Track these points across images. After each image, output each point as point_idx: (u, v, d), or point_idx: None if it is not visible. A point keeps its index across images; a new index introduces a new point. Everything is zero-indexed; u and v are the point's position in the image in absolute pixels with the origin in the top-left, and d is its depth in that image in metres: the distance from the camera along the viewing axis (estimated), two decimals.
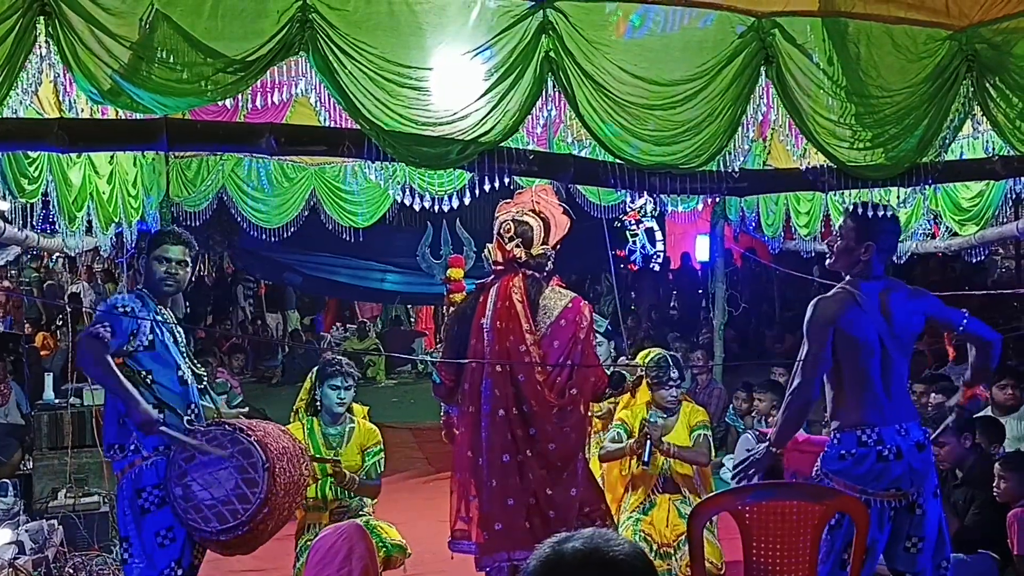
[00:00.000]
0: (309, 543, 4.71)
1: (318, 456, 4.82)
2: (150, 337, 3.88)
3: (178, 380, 3.96)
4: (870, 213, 3.71)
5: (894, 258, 7.13)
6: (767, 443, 3.86)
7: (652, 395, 5.40)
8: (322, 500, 4.95)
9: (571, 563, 1.52)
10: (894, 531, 3.72)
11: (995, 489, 4.81)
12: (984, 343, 3.90)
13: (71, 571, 5.16)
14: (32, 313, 12.11)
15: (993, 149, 4.13)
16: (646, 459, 5.13)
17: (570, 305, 4.13)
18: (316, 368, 5.20)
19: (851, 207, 3.81)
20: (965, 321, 3.88)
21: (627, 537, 5.03)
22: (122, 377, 3.70)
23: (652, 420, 5.22)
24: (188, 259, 4.06)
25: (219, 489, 3.78)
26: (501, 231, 4.24)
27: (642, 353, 5.52)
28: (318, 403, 4.99)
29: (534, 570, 1.54)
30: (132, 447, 3.84)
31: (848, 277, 3.86)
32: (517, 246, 4.19)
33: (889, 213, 3.79)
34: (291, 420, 5.15)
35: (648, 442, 5.12)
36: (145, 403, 3.72)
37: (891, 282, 3.87)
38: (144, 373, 3.87)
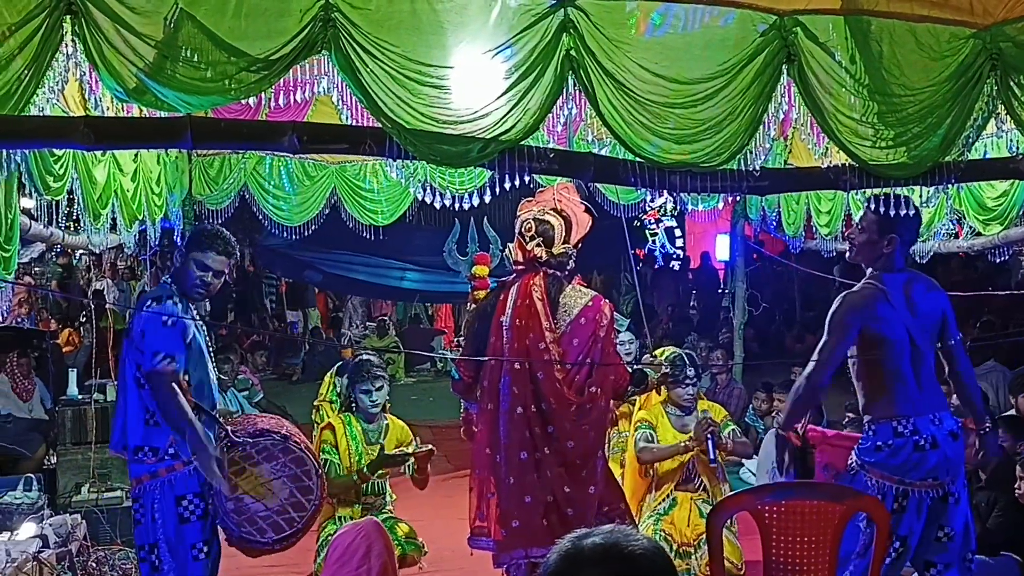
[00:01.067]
0: (331, 537, 4.75)
1: (384, 456, 4.88)
2: (190, 337, 3.81)
3: (208, 378, 3.93)
4: (891, 206, 3.70)
5: (917, 259, 7.10)
6: (774, 428, 3.91)
7: (668, 393, 5.39)
8: (353, 495, 5.01)
9: (590, 558, 1.52)
10: (928, 520, 3.72)
11: (1017, 490, 4.78)
12: (956, 372, 3.95)
13: (94, 565, 5.21)
14: (56, 311, 12.23)
15: (1017, 148, 4.10)
16: (713, 456, 5.13)
17: (590, 303, 4.13)
18: (338, 366, 5.26)
19: (872, 200, 3.80)
20: (959, 337, 3.92)
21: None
22: (196, 422, 3.63)
23: (706, 415, 5.22)
24: (226, 270, 3.98)
25: (273, 500, 3.77)
26: (522, 230, 4.24)
27: (658, 352, 5.51)
28: (353, 404, 5.08)
29: (553, 564, 1.55)
30: (170, 451, 3.74)
31: (870, 271, 3.86)
32: (538, 245, 4.19)
33: (911, 207, 3.78)
34: (312, 415, 5.21)
35: (711, 439, 5.12)
36: (212, 447, 3.64)
37: (912, 273, 3.89)
38: (184, 373, 3.78)
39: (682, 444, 5.21)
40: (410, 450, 4.99)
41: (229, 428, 3.87)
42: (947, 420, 3.76)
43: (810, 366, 3.80)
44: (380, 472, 5.01)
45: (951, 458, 3.72)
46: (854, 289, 3.86)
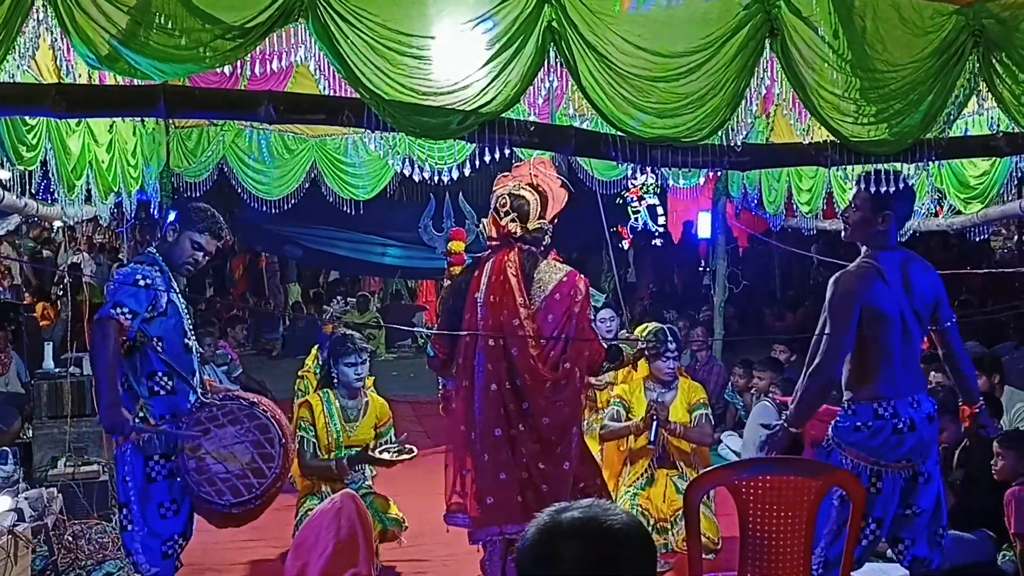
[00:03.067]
0: (310, 511, 4.75)
1: (366, 456, 4.89)
2: (164, 305, 3.87)
3: (184, 348, 3.97)
4: (885, 182, 3.68)
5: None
6: (783, 422, 3.85)
7: (649, 368, 5.39)
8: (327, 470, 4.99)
9: (568, 531, 1.52)
10: (899, 500, 3.75)
11: (993, 467, 4.82)
12: (951, 354, 3.94)
13: (70, 539, 5.19)
14: (29, 285, 12.11)
15: (998, 126, 4.10)
16: (652, 439, 5.14)
17: (565, 279, 4.10)
18: (320, 344, 5.24)
19: (865, 177, 3.76)
20: (954, 320, 3.91)
21: None
22: (115, 373, 3.72)
23: (659, 401, 5.21)
24: (213, 251, 4.10)
25: (234, 463, 3.79)
26: (497, 205, 4.20)
27: (640, 328, 5.50)
28: (335, 379, 5.05)
29: (531, 538, 1.54)
30: (139, 415, 3.82)
31: (865, 249, 3.83)
32: (512, 221, 4.15)
33: (904, 182, 3.76)
34: (296, 384, 5.19)
35: (655, 423, 5.13)
36: (124, 408, 3.73)
37: (908, 253, 3.87)
38: (156, 340, 3.86)
39: (633, 424, 5.24)
40: (392, 447, 4.96)
41: (200, 390, 3.92)
42: (924, 403, 3.78)
43: (818, 360, 3.71)
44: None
45: (927, 440, 3.75)
46: (849, 269, 3.81)
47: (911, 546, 3.81)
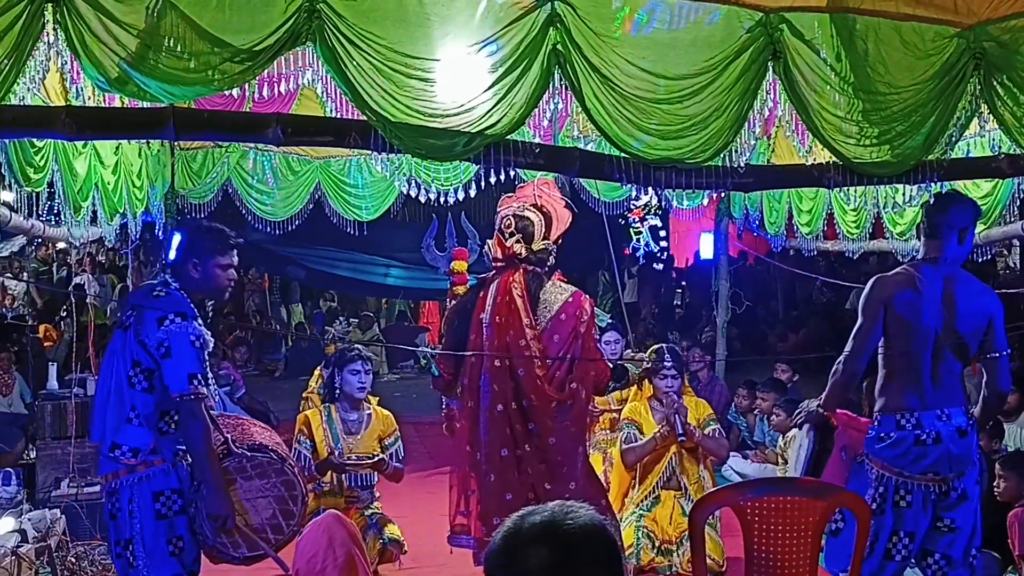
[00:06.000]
0: None
1: (361, 460, 4.88)
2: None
3: (210, 380, 3.80)
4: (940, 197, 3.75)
5: (899, 258, 7.11)
6: (818, 403, 3.94)
7: (653, 388, 5.41)
8: (337, 487, 4.99)
9: (527, 536, 1.50)
10: (932, 514, 3.75)
11: (995, 488, 4.81)
12: (995, 387, 3.87)
13: (73, 560, 5.17)
14: (32, 307, 12.13)
15: (999, 147, 4.12)
16: (681, 432, 5.13)
17: (570, 299, 4.13)
18: (331, 358, 5.26)
19: (929, 200, 3.85)
20: (1006, 353, 3.82)
21: (624, 531, 4.97)
22: (214, 453, 3.57)
23: (677, 398, 5.25)
24: (237, 260, 3.87)
25: (255, 516, 3.69)
26: (502, 227, 4.23)
27: (650, 351, 5.54)
28: (337, 390, 5.05)
29: (496, 544, 1.53)
30: (149, 448, 3.60)
31: (911, 259, 3.86)
32: (517, 242, 4.18)
33: (961, 195, 3.79)
34: (301, 406, 5.19)
35: (677, 416, 5.13)
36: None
37: (959, 271, 3.82)
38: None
39: (656, 432, 5.23)
40: (377, 451, 4.96)
41: (229, 436, 3.75)
42: (956, 416, 3.72)
43: (847, 349, 3.79)
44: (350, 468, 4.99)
45: (955, 454, 3.69)
46: (886, 273, 3.88)
47: (945, 566, 3.78)
